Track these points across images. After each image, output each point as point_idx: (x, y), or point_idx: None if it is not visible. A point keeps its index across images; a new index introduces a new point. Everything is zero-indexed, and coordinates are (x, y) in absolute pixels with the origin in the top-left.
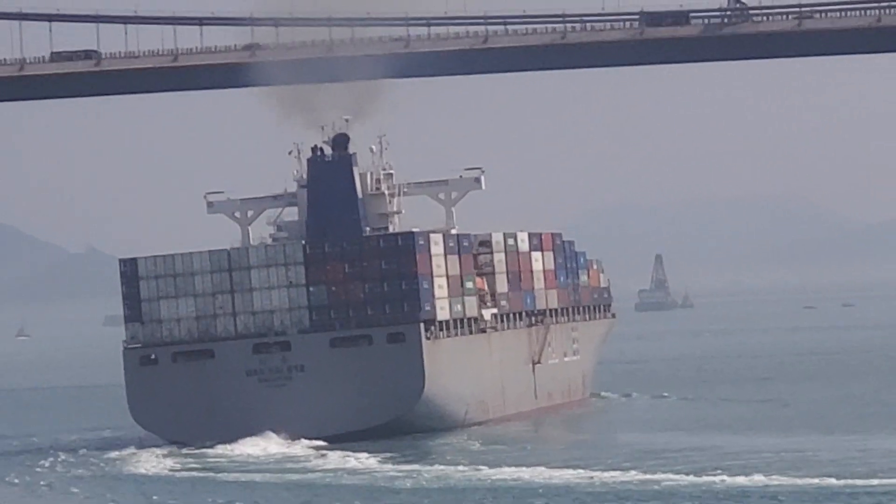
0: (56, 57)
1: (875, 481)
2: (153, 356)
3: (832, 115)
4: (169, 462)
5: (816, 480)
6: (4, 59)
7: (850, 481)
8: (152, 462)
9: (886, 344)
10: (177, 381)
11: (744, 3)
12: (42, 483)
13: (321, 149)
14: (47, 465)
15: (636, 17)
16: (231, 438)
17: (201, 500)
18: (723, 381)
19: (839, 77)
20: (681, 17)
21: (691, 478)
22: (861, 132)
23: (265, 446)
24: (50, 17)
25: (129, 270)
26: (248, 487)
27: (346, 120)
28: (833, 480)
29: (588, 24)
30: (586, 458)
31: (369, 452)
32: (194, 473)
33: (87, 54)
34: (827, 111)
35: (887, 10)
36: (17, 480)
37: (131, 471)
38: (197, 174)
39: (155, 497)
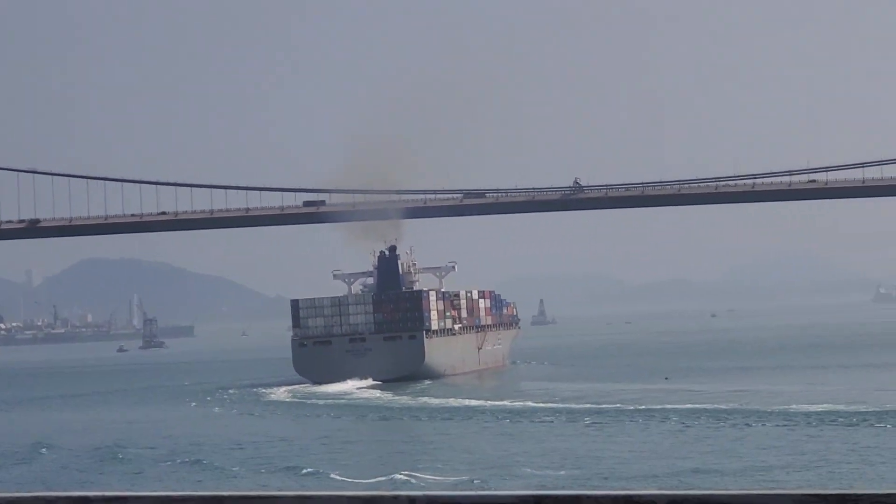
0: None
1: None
2: (304, 343)
3: None
4: (288, 395)
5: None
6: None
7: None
8: (279, 395)
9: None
10: (314, 354)
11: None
12: (216, 408)
13: (383, 251)
14: (225, 395)
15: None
16: (336, 381)
17: (301, 411)
18: (575, 356)
19: None
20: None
21: (559, 405)
22: None
23: (353, 386)
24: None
25: (296, 305)
26: (332, 407)
27: (395, 239)
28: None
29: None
30: (508, 391)
31: (392, 392)
32: (302, 401)
33: None
34: None
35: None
36: (193, 404)
37: (264, 399)
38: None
39: (264, 422)
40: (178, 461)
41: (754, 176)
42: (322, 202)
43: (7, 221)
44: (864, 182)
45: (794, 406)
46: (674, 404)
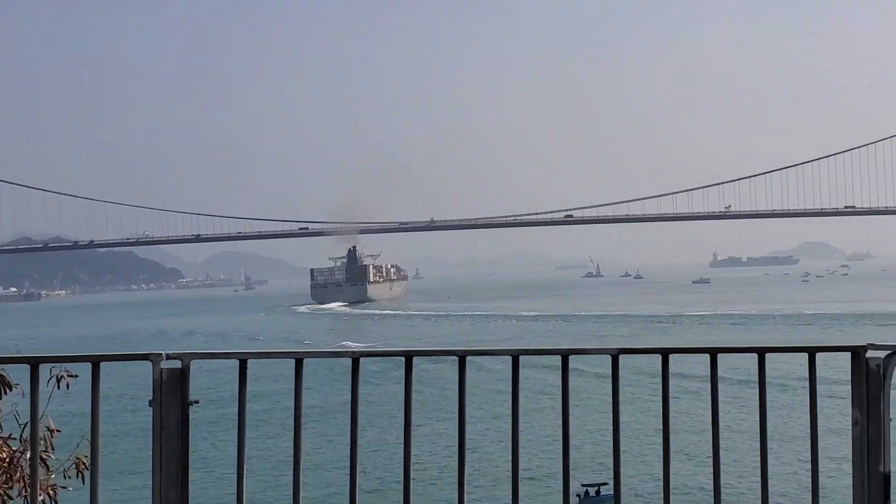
0: None
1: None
2: (315, 286)
3: None
4: (307, 309)
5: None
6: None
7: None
8: (303, 309)
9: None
10: (320, 291)
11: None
12: (272, 315)
13: (350, 248)
14: (277, 309)
15: None
16: (326, 302)
17: (311, 317)
18: (432, 292)
19: None
20: None
21: (424, 312)
22: None
23: (335, 305)
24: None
25: (313, 270)
26: (325, 314)
27: (355, 244)
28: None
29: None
30: (402, 307)
31: (351, 308)
32: (312, 312)
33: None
34: None
35: None
36: (262, 313)
37: (296, 311)
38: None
39: (295, 320)
40: (252, 339)
41: (518, 214)
42: (306, 228)
43: (179, 236)
44: (551, 219)
45: (523, 312)
46: (471, 311)
